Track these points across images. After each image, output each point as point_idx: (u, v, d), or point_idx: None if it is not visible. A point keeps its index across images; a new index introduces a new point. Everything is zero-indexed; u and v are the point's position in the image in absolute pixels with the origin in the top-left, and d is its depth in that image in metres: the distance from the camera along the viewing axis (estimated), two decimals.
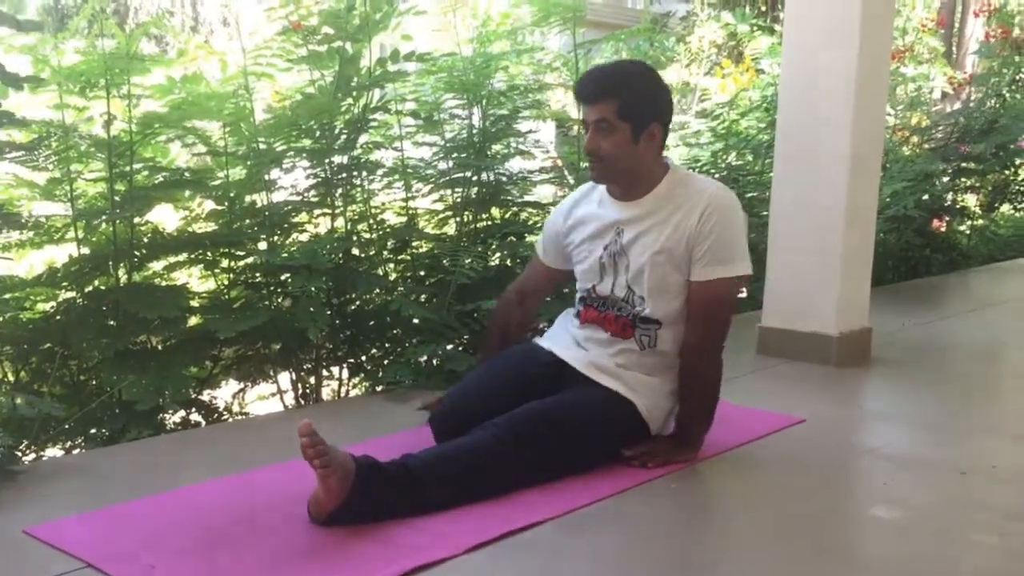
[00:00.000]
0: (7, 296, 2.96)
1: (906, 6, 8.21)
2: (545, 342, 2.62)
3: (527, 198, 4.18)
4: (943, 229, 6.89)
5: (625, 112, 2.37)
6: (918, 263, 6.34)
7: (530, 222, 4.07)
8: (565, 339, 2.58)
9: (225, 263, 3.44)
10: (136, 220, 3.23)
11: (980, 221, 7.28)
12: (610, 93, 2.38)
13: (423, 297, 3.54)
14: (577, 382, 2.45)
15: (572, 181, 4.14)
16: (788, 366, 3.61)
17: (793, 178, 3.69)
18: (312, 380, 3.52)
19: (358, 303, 3.62)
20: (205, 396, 3.41)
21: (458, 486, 2.15)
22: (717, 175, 5.12)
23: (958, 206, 6.97)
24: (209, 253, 3.39)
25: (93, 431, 3.01)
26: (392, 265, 3.75)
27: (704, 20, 8.59)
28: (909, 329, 4.39)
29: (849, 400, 3.32)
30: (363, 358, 3.61)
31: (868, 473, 2.57)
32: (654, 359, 2.46)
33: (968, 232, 7.18)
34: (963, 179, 6.86)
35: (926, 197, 6.24)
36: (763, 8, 10.35)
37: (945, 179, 6.65)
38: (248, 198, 3.49)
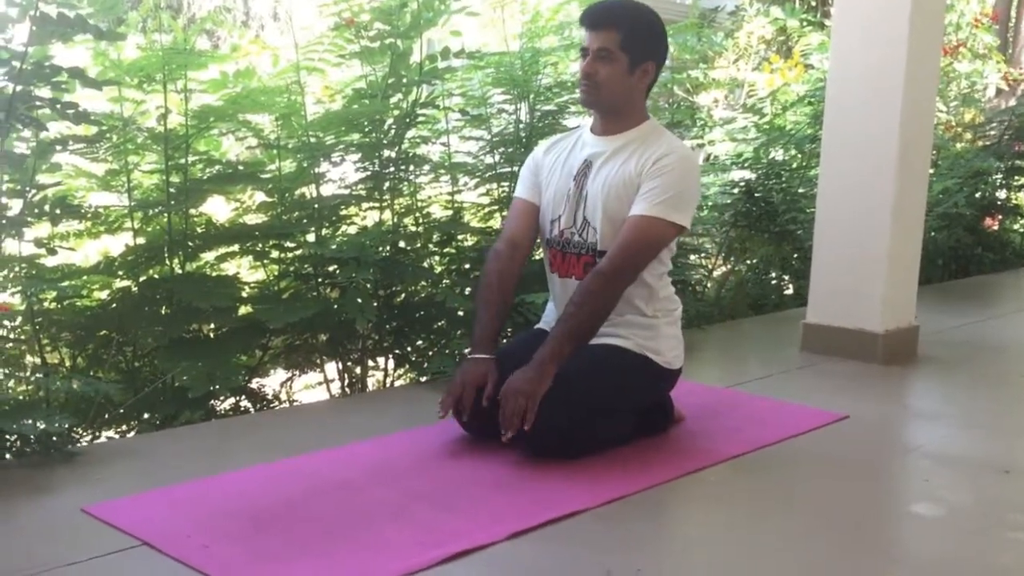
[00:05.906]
0: (65, 283, 3.05)
1: (960, 0, 8.06)
2: (545, 327, 2.68)
3: None
4: (995, 227, 6.78)
5: (627, 44, 2.46)
6: (969, 261, 6.25)
7: None
8: (555, 319, 2.57)
9: (275, 254, 3.51)
10: (191, 211, 3.31)
11: None
12: (616, 24, 2.46)
13: (468, 290, 3.58)
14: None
15: None
16: (832, 363, 3.59)
17: (839, 174, 3.68)
18: (358, 370, 3.57)
19: (404, 295, 3.67)
20: (254, 384, 3.48)
21: None
22: (760, 170, 5.10)
23: (1011, 204, 6.86)
24: (259, 244, 3.46)
25: (147, 416, 3.09)
26: (438, 258, 3.80)
27: (753, 15, 8.51)
28: (957, 328, 4.34)
29: (893, 398, 3.30)
30: (408, 349, 3.66)
31: (910, 470, 2.57)
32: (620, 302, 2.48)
33: (1022, 231, 7.06)
34: (1017, 177, 6.75)
35: (979, 195, 6.15)
36: (813, 3, 10.23)
37: (998, 177, 6.55)
38: (298, 191, 3.55)
